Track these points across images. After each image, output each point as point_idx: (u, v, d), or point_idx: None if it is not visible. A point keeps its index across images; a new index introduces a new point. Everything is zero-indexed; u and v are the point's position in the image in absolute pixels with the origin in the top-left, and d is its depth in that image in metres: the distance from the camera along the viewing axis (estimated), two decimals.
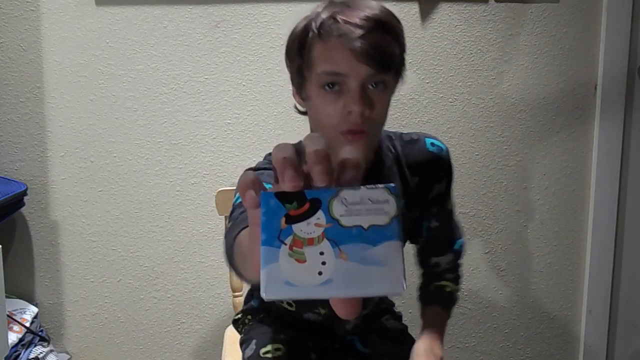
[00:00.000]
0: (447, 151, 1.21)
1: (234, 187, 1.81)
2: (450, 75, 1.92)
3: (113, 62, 1.83)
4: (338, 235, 0.41)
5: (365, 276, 0.41)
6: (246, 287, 1.92)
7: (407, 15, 1.87)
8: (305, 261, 0.41)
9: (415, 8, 1.88)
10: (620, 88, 1.96)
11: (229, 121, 1.85)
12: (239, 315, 1.36)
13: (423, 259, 1.31)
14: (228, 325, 1.80)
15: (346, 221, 0.42)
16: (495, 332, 2.06)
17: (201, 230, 1.91)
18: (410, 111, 1.92)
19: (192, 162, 1.88)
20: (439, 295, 1.26)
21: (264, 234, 0.42)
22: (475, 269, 2.02)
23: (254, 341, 1.24)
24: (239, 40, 1.83)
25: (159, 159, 1.88)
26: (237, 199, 0.94)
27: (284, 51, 1.09)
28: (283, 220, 0.42)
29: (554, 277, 2.05)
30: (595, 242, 2.03)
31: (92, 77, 1.83)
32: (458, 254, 1.31)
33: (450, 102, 1.93)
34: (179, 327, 1.96)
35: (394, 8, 1.87)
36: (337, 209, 0.42)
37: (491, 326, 2.06)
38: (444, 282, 1.27)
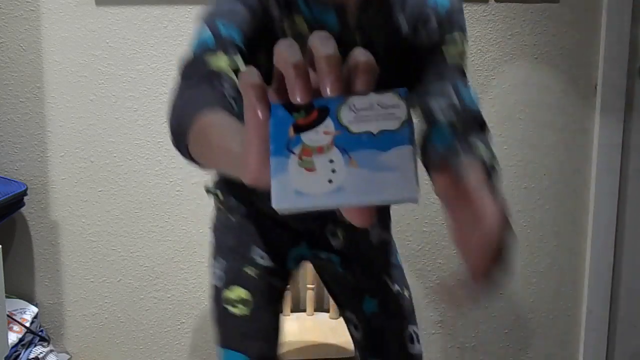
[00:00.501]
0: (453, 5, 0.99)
1: None
2: None
3: (113, 62, 1.83)
4: (347, 142, 0.40)
5: (377, 183, 0.40)
6: None
7: None
8: (315, 170, 0.40)
9: None
10: (620, 88, 1.96)
11: None
12: (211, 186, 1.19)
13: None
14: None
15: (355, 128, 0.41)
16: (495, 332, 2.06)
17: (201, 230, 1.91)
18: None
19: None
20: (473, 153, 0.90)
21: (273, 144, 0.41)
22: None
23: (218, 271, 1.12)
24: None
25: (159, 159, 1.88)
26: (198, 45, 0.83)
27: None
28: (291, 129, 0.41)
29: (554, 277, 2.05)
30: (595, 242, 2.03)
31: (92, 77, 1.83)
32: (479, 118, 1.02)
33: None
34: (179, 327, 1.96)
35: None
36: (345, 115, 0.41)
37: (491, 326, 2.06)
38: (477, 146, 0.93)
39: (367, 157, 0.40)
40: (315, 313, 1.85)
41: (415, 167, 0.40)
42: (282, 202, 0.40)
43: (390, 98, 0.41)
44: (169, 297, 1.94)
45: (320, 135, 0.41)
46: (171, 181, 1.89)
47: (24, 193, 1.80)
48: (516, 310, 2.06)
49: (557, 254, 2.05)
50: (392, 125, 0.41)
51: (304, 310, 1.86)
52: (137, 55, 1.83)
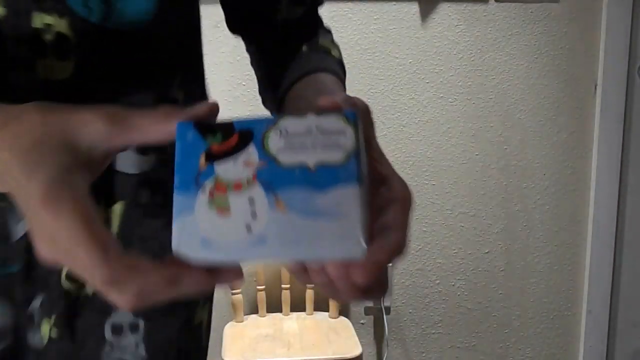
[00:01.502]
0: None
1: None
2: (450, 75, 1.92)
3: None
4: (274, 177, 0.32)
5: (309, 233, 0.31)
6: (246, 286, 1.92)
7: (407, 15, 1.87)
8: (229, 212, 0.32)
9: (415, 8, 1.88)
10: (620, 88, 1.96)
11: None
12: None
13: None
14: (227, 323, 1.80)
15: (286, 158, 0.32)
16: (495, 332, 2.06)
17: None
18: (410, 111, 1.92)
19: None
20: (325, 60, 0.65)
21: (178, 175, 0.33)
22: (475, 268, 2.02)
23: None
24: (239, 40, 1.83)
25: None
26: None
27: None
28: (202, 157, 0.33)
29: (554, 277, 2.05)
30: (595, 242, 2.03)
31: None
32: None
33: (450, 102, 1.93)
34: None
35: (394, 8, 1.88)
36: (274, 142, 0.32)
37: (491, 326, 2.06)
38: (323, 43, 0.67)
39: (298, 197, 0.32)
40: (315, 313, 1.85)
41: (364, 212, 0.32)
42: (183, 247, 0.32)
43: (333, 122, 0.33)
44: None
45: (239, 166, 0.32)
46: None
47: None
48: (516, 310, 2.06)
49: (557, 254, 2.05)
50: (335, 157, 0.32)
51: (304, 310, 1.86)
52: None
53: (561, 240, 2.04)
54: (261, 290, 1.83)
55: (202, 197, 0.32)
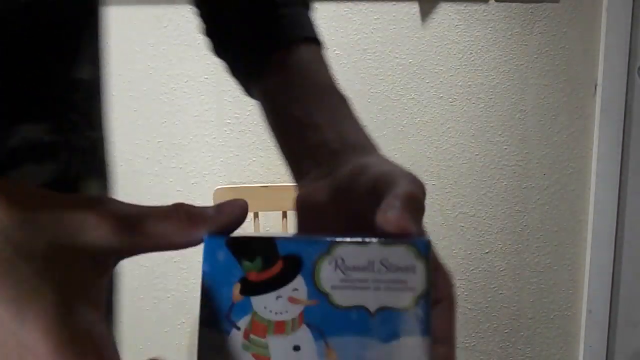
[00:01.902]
0: None
1: (233, 185, 1.81)
2: (450, 75, 1.92)
3: (113, 62, 1.83)
4: (326, 320, 0.26)
5: None
6: None
7: (407, 15, 1.87)
8: (269, 359, 0.26)
9: (415, 8, 1.88)
10: (620, 88, 1.96)
11: (228, 121, 1.85)
12: None
13: None
14: None
15: (341, 298, 0.27)
16: (495, 332, 2.06)
17: None
18: (410, 111, 1.92)
19: (191, 162, 1.88)
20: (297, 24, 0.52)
21: (206, 307, 0.27)
22: (475, 268, 2.02)
23: None
24: None
25: (159, 159, 1.88)
26: None
27: None
28: (237, 287, 0.27)
29: (554, 277, 2.05)
30: (595, 242, 2.03)
31: None
32: None
33: (450, 102, 1.93)
34: (179, 327, 1.96)
35: (394, 8, 1.88)
36: (327, 276, 0.27)
37: (491, 326, 2.06)
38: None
39: (354, 348, 0.26)
40: None
41: None
42: None
43: (401, 255, 0.27)
44: (168, 297, 1.94)
45: (283, 303, 0.27)
46: (171, 181, 1.88)
47: None
48: (516, 310, 2.06)
49: (557, 254, 2.05)
50: (401, 301, 0.27)
51: None
52: (137, 55, 1.83)
53: (561, 240, 2.04)
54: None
55: (235, 338, 0.27)
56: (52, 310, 0.25)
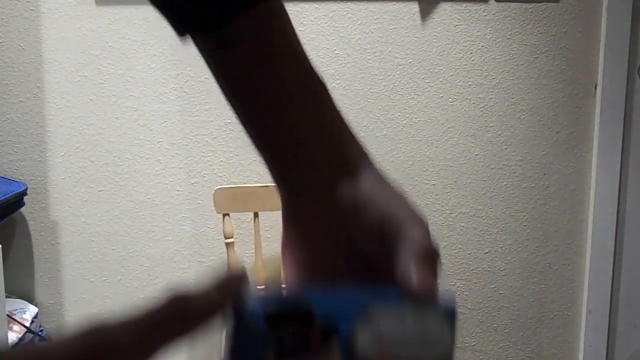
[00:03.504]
0: None
1: (233, 185, 1.81)
2: (450, 75, 1.92)
3: (113, 62, 1.83)
4: None
5: None
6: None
7: (407, 15, 1.87)
8: None
9: (415, 8, 1.88)
10: (620, 88, 1.96)
11: (228, 121, 1.85)
12: None
13: None
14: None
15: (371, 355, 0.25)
16: (495, 332, 2.06)
17: (201, 230, 1.91)
18: (410, 111, 1.92)
19: (191, 162, 1.88)
20: None
21: None
22: (475, 268, 2.02)
23: None
24: None
25: (159, 159, 1.88)
26: None
27: None
28: (271, 355, 0.26)
29: (554, 277, 2.06)
30: (595, 242, 2.03)
31: (92, 77, 1.83)
32: None
33: (450, 102, 1.93)
34: None
35: (394, 8, 1.88)
36: (365, 345, 0.25)
37: (491, 326, 2.06)
38: None
39: None
40: None
41: None
42: None
43: (432, 322, 0.27)
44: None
45: None
46: (171, 181, 1.89)
47: (24, 193, 1.80)
48: (516, 310, 2.06)
49: (557, 254, 2.05)
50: None
51: None
52: (137, 55, 1.83)
53: (561, 240, 2.04)
54: (261, 290, 1.82)
55: None
56: None
